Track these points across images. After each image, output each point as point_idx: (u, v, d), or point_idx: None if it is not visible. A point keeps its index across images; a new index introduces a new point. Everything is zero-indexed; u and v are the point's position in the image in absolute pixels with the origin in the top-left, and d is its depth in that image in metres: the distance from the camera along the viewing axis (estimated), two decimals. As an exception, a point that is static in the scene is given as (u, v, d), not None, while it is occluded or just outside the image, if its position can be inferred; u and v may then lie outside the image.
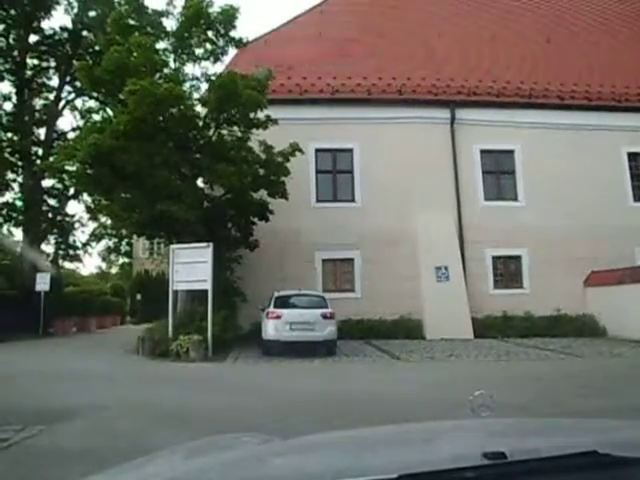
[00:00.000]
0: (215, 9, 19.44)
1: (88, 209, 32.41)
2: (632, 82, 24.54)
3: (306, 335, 15.50)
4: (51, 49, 30.20)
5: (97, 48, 26.76)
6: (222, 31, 19.87)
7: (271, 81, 19.08)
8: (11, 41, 29.13)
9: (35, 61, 30.55)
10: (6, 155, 28.81)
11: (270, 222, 19.59)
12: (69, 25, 30.35)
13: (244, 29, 52.05)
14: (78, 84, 28.33)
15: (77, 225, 35.46)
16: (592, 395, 8.99)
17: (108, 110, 23.90)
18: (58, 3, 29.59)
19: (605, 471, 1.41)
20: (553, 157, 22.89)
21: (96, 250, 56.25)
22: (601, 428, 2.24)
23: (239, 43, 20.70)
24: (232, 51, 21.51)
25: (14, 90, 29.79)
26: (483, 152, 23.45)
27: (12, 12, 28.60)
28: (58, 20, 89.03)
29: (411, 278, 21.37)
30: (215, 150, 18.17)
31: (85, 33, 30.35)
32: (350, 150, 23.16)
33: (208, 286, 15.93)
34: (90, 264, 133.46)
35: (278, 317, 15.69)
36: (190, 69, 31.85)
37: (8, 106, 30.10)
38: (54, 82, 31.36)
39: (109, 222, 32.92)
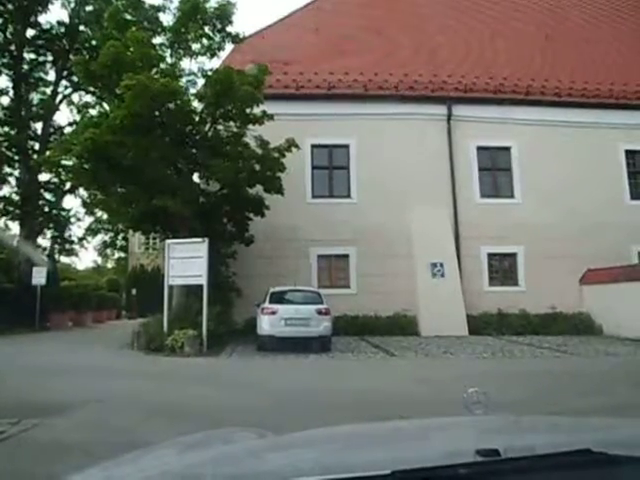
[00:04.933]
0: (212, 4, 19.42)
1: (84, 203, 32.37)
2: (630, 80, 24.56)
3: (301, 331, 15.52)
4: (48, 43, 30.05)
5: (94, 43, 26.72)
6: (219, 26, 19.82)
7: (267, 76, 19.04)
8: (8, 35, 29.01)
9: (32, 55, 30.41)
10: (3, 149, 28.74)
11: (266, 218, 19.59)
12: (66, 19, 30.22)
13: (241, 24, 52.25)
14: (75, 79, 28.23)
15: (73, 219, 35.41)
16: (587, 393, 9.01)
17: (105, 105, 23.83)
18: (55, -3, 29.52)
19: (599, 469, 1.42)
20: (550, 154, 22.94)
21: (92, 244, 56.33)
22: (595, 426, 2.25)
23: (236, 38, 20.66)
24: (229, 46, 21.48)
25: (11, 84, 29.71)
26: (479, 149, 23.47)
27: (9, 6, 28.49)
28: (55, 14, 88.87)
29: (406, 274, 21.39)
30: (211, 145, 18.19)
31: (82, 28, 30.22)
32: (346, 146, 23.17)
33: (203, 281, 15.94)
34: (86, 258, 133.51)
35: (273, 313, 15.71)
36: (187, 64, 31.63)
37: (5, 100, 30.05)
38: (51, 76, 31.28)
39: (105, 217, 32.95)
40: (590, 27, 27.81)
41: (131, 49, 16.99)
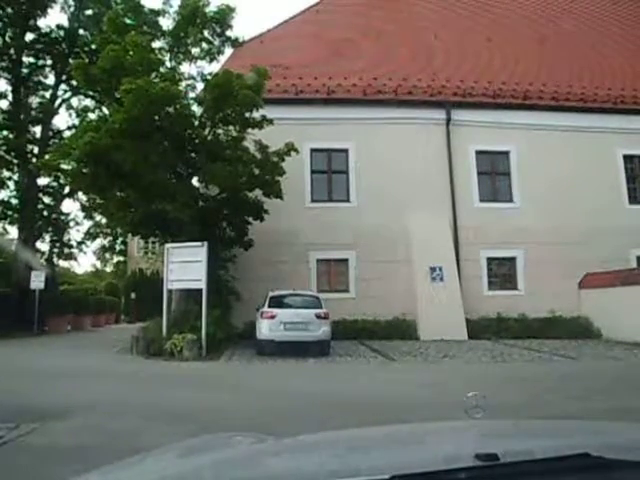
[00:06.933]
0: (211, 8, 19.47)
1: (83, 207, 32.32)
2: (627, 84, 24.62)
3: (300, 335, 15.48)
4: (47, 47, 30.03)
5: (93, 47, 26.71)
6: (218, 30, 19.92)
7: (267, 81, 19.04)
8: (7, 39, 29.03)
9: (31, 59, 30.36)
10: (1, 153, 28.74)
11: (265, 222, 19.54)
12: (65, 23, 30.26)
13: (240, 29, 52.13)
14: (74, 83, 28.12)
15: (72, 223, 35.38)
16: (586, 397, 9.01)
17: (104, 109, 23.85)
18: (54, 1, 29.42)
19: (597, 473, 1.42)
20: (548, 159, 22.94)
21: (91, 249, 56.21)
22: (594, 430, 2.25)
23: (235, 43, 20.75)
24: (228, 50, 21.54)
25: (10, 88, 29.71)
26: (478, 153, 23.47)
27: (8, 10, 28.50)
28: (54, 18, 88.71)
29: (405, 279, 21.40)
30: (210, 149, 18.15)
31: (81, 32, 30.22)
32: (345, 150, 23.16)
33: (202, 285, 15.92)
34: (85, 262, 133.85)
35: (272, 317, 15.69)
36: (186, 68, 31.75)
37: (4, 104, 30.03)
38: (50, 80, 31.23)
39: (104, 221, 32.91)
40: (587, 32, 27.84)
41: (130, 53, 16.99)
